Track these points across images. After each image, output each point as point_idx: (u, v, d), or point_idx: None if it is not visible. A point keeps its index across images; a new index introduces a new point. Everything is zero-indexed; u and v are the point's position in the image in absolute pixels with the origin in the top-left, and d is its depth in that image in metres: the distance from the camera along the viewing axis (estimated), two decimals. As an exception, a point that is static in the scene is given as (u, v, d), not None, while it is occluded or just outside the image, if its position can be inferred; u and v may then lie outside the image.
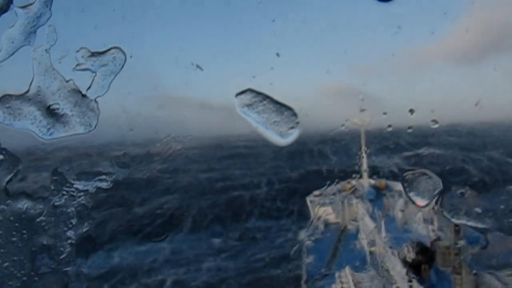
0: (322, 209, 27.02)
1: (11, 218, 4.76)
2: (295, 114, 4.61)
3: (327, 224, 25.81)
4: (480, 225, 5.39)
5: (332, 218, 26.37)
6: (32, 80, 4.72)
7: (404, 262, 15.50)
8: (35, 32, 4.72)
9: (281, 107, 4.59)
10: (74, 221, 4.90)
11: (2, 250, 4.74)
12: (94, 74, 4.80)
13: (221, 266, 27.02)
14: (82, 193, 4.88)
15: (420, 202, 4.95)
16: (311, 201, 27.82)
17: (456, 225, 16.19)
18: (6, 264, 4.75)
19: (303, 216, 31.01)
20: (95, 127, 4.81)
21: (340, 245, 22.40)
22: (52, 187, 4.86)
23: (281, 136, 4.64)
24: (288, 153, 72.33)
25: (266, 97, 4.59)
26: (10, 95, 4.68)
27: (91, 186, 4.88)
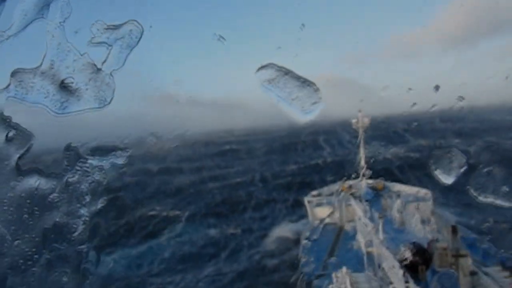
0: (320, 209, 27.06)
1: (23, 195, 4.62)
2: (317, 89, 4.50)
3: (324, 224, 25.79)
4: (507, 204, 5.29)
5: (329, 218, 26.40)
6: (45, 54, 4.59)
7: (401, 263, 15.47)
8: (48, 5, 4.60)
9: (304, 82, 4.49)
10: (88, 198, 4.77)
11: (13, 228, 4.60)
12: (109, 48, 4.68)
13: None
14: (96, 169, 4.75)
15: (446, 179, 4.86)
16: (308, 201, 27.79)
17: (453, 226, 16.23)
18: (17, 241, 4.61)
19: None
20: (110, 101, 4.69)
21: (337, 245, 22.37)
22: (65, 163, 4.73)
23: (304, 111, 4.53)
24: (281, 146, 72.25)
25: (288, 71, 4.48)
26: (23, 69, 4.55)
27: (106, 162, 4.75)
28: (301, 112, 4.55)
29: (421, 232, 20.23)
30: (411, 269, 15.06)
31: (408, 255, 15.78)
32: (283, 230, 31.26)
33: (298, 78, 4.51)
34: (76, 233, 4.79)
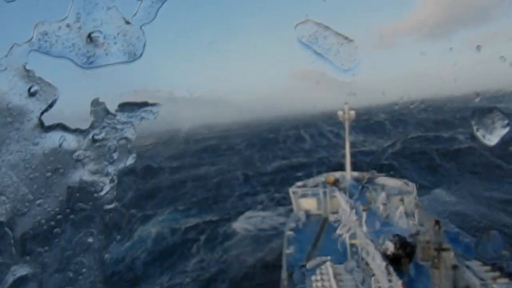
0: (304, 200, 27.09)
1: (46, 152, 4.40)
2: (357, 46, 4.39)
3: (308, 215, 25.83)
4: None
5: (314, 209, 26.44)
6: (71, 5, 4.38)
7: (384, 255, 15.55)
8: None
9: (344, 38, 4.37)
10: (115, 155, 4.58)
11: (35, 186, 4.38)
12: (140, 1, 4.51)
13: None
14: (125, 126, 4.56)
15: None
16: (293, 192, 27.80)
17: (437, 220, 16.37)
18: (40, 201, 4.39)
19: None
20: (141, 55, 4.51)
21: (321, 236, 22.39)
22: (92, 118, 4.52)
23: (343, 68, 4.42)
24: (263, 140, 72.12)
25: (327, 27, 4.36)
26: (47, 22, 4.33)
27: (135, 118, 4.56)
28: (340, 70, 4.44)
29: (404, 225, 20.33)
30: (394, 261, 15.18)
31: (391, 247, 15.88)
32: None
33: (338, 34, 4.40)
34: (103, 192, 4.58)
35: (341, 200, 23.68)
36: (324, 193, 26.07)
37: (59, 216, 4.47)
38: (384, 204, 22.71)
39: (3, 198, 4.28)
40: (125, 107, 4.57)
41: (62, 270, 4.55)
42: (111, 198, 4.54)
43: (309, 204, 26.79)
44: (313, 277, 16.49)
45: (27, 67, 4.29)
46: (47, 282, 4.53)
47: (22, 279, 4.42)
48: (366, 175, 29.14)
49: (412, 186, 25.54)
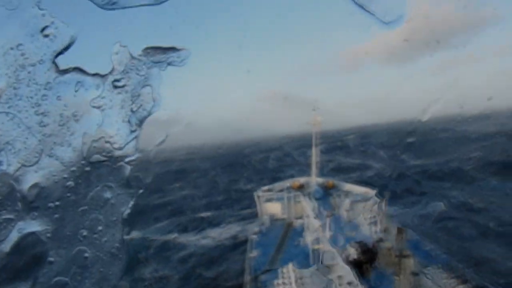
0: (270, 204, 26.88)
1: (60, 97, 3.99)
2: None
3: (273, 220, 25.63)
4: None
5: (278, 214, 26.26)
6: None
7: (347, 261, 15.57)
8: None
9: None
10: (138, 103, 4.21)
11: (47, 134, 3.97)
12: None
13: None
14: (149, 71, 4.20)
15: None
16: (258, 196, 27.52)
17: (399, 228, 16.51)
18: (51, 151, 3.97)
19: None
20: (167, -1, 4.17)
21: (285, 241, 22.23)
22: (114, 63, 4.14)
23: (385, 20, 4.22)
24: (228, 165, 72.06)
25: (369, -22, 4.15)
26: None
27: (161, 64, 4.21)
28: (383, 22, 4.24)
29: (368, 231, 20.45)
30: (356, 267, 15.22)
31: (353, 253, 15.94)
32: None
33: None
34: (122, 143, 4.21)
35: (306, 205, 23.61)
36: (289, 198, 25.77)
37: (72, 168, 4.06)
38: (348, 211, 22.78)
39: (10, 147, 3.84)
40: (150, 51, 4.21)
41: (75, 227, 4.12)
42: (132, 150, 4.15)
43: (274, 208, 26.58)
44: (275, 281, 16.29)
45: (41, 6, 3.89)
46: (58, 241, 4.08)
47: (30, 237, 3.98)
48: (331, 181, 29.29)
49: (376, 193, 25.76)
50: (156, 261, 27.43)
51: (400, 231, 16.22)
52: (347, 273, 14.33)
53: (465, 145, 52.33)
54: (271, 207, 26.64)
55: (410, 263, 15.65)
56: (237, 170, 61.32)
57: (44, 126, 3.95)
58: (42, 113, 3.93)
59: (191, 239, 30.98)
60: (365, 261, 15.95)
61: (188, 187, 52.52)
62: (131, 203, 4.19)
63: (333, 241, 17.05)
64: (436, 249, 21.07)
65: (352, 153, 65.48)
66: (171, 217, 37.64)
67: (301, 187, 29.01)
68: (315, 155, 28.68)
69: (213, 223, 34.28)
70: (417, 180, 40.52)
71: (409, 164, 48.74)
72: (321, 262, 16.62)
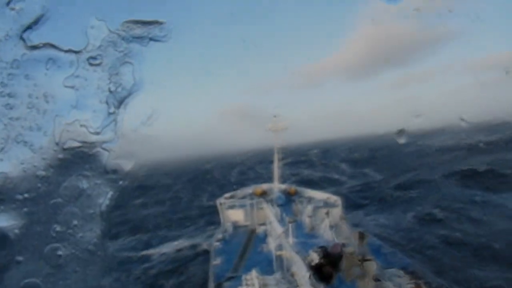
0: (232, 211, 26.71)
1: (29, 76, 3.57)
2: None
3: (236, 227, 25.46)
4: None
5: (241, 220, 26.10)
6: None
7: (309, 266, 15.52)
8: None
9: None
10: (116, 81, 3.81)
11: (14, 118, 3.53)
12: None
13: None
14: (128, 47, 3.82)
15: None
16: (221, 203, 27.33)
17: (361, 232, 16.62)
18: (20, 137, 3.53)
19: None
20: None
21: (248, 248, 22.08)
22: (90, 38, 3.74)
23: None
24: (190, 179, 71.50)
25: None
26: None
27: (143, 40, 3.82)
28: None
29: (330, 237, 20.46)
30: (319, 272, 15.16)
31: (315, 258, 15.90)
32: None
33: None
34: (100, 127, 3.79)
35: (268, 211, 23.50)
36: (252, 204, 25.67)
37: (43, 156, 3.63)
38: (311, 217, 22.73)
39: (-29, 132, 3.40)
40: (129, 25, 3.83)
41: (46, 222, 3.67)
42: (111, 134, 3.74)
43: (236, 215, 26.39)
44: None
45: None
46: (28, 238, 3.62)
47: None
48: (293, 188, 29.36)
49: (338, 199, 25.90)
50: (118, 273, 26.85)
51: (361, 236, 16.30)
52: (310, 279, 14.21)
53: (428, 157, 53.80)
54: (234, 214, 26.51)
55: (373, 267, 15.69)
56: (200, 185, 61.05)
57: (11, 108, 3.52)
58: (8, 94, 3.50)
59: (153, 252, 30.43)
60: (328, 266, 15.88)
61: (150, 202, 51.88)
62: (110, 193, 3.76)
63: (296, 247, 16.92)
64: (397, 253, 21.30)
65: (316, 167, 66.46)
66: (133, 234, 36.87)
67: (263, 194, 29.00)
68: (277, 161, 28.68)
69: (175, 237, 33.86)
70: (381, 190, 41.27)
71: (372, 176, 49.67)
72: (285, 268, 16.51)
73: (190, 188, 60.43)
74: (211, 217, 33.84)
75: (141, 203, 52.16)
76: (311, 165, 69.06)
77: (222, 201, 27.79)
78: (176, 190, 59.90)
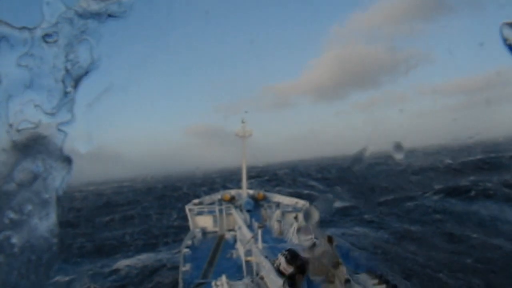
0: (201, 217, 26.69)
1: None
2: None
3: (205, 233, 25.41)
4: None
5: (210, 226, 26.09)
6: None
7: (278, 270, 15.50)
8: None
9: None
10: (72, 60, 3.64)
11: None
12: None
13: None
14: (87, 23, 3.66)
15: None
16: (189, 209, 27.28)
17: (329, 236, 16.67)
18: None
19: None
20: None
21: (217, 254, 22.04)
22: (45, 15, 3.56)
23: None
24: (159, 197, 70.98)
25: None
26: None
27: (100, 16, 3.66)
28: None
29: (298, 241, 20.50)
30: (288, 276, 15.16)
31: (282, 262, 15.87)
32: None
33: None
34: (52, 110, 3.61)
35: (237, 217, 23.49)
36: (220, 210, 25.83)
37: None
38: (279, 221, 22.75)
39: None
40: (87, 1, 3.66)
41: (0, 209, 3.49)
42: (67, 115, 3.57)
43: (205, 221, 26.45)
44: None
45: None
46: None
47: None
48: (261, 193, 29.52)
49: (306, 204, 26.11)
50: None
51: (330, 239, 16.29)
52: (278, 283, 14.16)
53: (400, 175, 54.76)
54: (203, 220, 26.56)
55: (343, 270, 15.74)
56: (169, 202, 60.84)
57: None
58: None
59: (120, 265, 30.02)
60: (295, 269, 15.86)
61: (118, 219, 51.35)
62: (67, 177, 3.57)
63: (265, 251, 16.89)
64: (365, 256, 21.47)
65: (286, 184, 67.19)
66: (99, 251, 36.27)
67: (232, 199, 29.14)
68: (245, 167, 28.79)
69: (145, 250, 33.58)
70: (355, 206, 41.73)
71: (345, 193, 50.32)
72: (254, 273, 16.46)
73: (160, 205, 60.20)
74: (181, 231, 33.64)
75: (109, 220, 51.50)
76: (281, 182, 69.74)
77: (190, 207, 27.81)
78: (146, 207, 59.49)
